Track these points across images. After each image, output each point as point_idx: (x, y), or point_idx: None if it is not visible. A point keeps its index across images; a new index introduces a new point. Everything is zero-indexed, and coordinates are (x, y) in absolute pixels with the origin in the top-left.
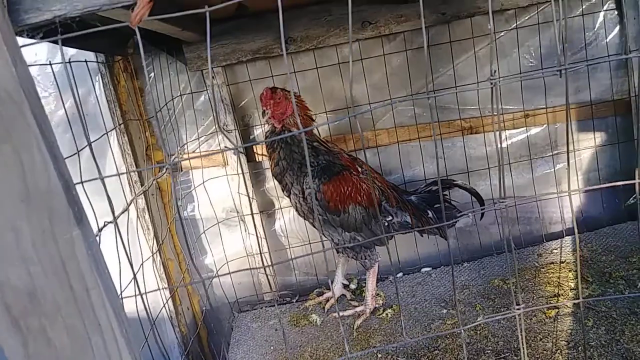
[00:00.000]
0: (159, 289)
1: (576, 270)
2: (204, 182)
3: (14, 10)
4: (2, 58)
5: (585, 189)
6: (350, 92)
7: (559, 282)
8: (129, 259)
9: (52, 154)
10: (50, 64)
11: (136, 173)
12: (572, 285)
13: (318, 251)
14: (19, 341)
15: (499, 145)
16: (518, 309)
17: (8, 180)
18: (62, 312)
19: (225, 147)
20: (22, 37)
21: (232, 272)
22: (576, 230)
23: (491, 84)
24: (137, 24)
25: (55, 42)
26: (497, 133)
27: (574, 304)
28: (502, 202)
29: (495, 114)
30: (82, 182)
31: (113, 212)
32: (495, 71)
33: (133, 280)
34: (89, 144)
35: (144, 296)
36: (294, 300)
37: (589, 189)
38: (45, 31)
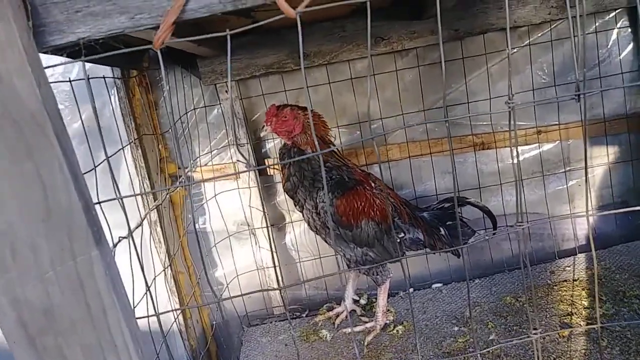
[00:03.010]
0: (172, 310)
1: (590, 289)
2: (215, 196)
3: (38, 32)
4: (27, 79)
5: (601, 213)
6: (368, 108)
7: (572, 301)
8: (144, 276)
9: (73, 174)
10: (70, 81)
11: (149, 185)
12: (586, 303)
13: (332, 273)
14: (34, 359)
15: (514, 162)
16: (535, 334)
17: (30, 198)
18: (78, 331)
19: (238, 160)
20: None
21: (248, 293)
22: (594, 251)
23: (509, 107)
24: (159, 47)
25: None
26: (515, 150)
27: (589, 323)
28: (520, 225)
29: (513, 137)
30: (99, 202)
31: (129, 228)
32: (513, 95)
33: (146, 296)
34: (107, 158)
35: (157, 313)
36: (304, 315)
37: (604, 213)
38: (69, 51)
